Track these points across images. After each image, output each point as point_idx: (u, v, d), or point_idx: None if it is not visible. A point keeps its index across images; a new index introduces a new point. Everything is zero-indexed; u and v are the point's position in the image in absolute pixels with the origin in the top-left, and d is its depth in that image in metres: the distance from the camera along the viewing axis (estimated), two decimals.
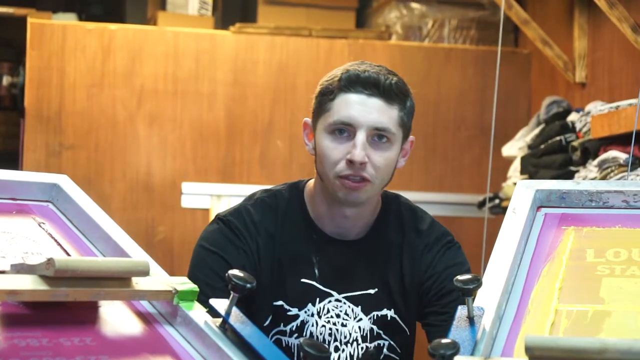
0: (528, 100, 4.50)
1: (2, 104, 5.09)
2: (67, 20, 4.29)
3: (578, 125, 3.58)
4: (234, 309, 1.20)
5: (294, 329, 1.73)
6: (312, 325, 1.73)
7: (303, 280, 1.74)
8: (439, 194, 4.34)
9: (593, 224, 1.50)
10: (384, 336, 1.77)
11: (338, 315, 1.75)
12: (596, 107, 3.44)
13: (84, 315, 1.11)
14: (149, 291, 1.14)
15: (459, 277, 1.23)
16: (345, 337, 1.74)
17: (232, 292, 1.21)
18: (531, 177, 3.74)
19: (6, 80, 5.08)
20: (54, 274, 1.04)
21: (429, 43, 4.50)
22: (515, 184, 3.89)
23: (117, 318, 1.15)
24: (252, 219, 1.76)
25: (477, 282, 1.23)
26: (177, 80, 4.17)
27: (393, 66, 4.31)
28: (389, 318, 1.77)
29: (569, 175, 3.53)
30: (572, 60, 4.06)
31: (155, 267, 1.22)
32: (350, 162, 1.66)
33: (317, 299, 1.74)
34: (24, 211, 1.26)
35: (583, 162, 3.50)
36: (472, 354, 1.17)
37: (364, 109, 1.67)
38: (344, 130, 1.68)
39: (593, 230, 1.49)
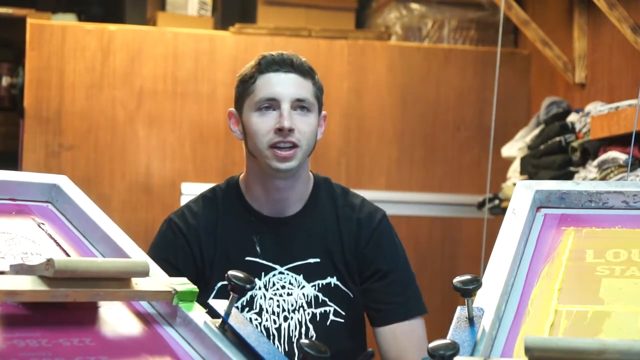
0: (528, 100, 4.49)
1: (2, 104, 5.08)
2: (66, 20, 4.29)
3: (578, 126, 3.58)
4: (234, 310, 1.20)
5: (244, 303, 1.89)
6: (261, 298, 1.90)
7: (247, 258, 1.92)
8: (439, 194, 4.34)
9: (593, 225, 1.50)
10: (329, 303, 1.93)
11: (283, 287, 1.91)
12: (596, 108, 3.44)
13: (84, 315, 1.11)
14: (149, 292, 1.15)
15: (459, 278, 1.23)
16: (292, 305, 1.91)
17: (231, 293, 1.21)
18: (531, 178, 3.74)
19: (5, 80, 5.07)
20: (53, 275, 1.04)
21: (429, 43, 4.50)
22: (514, 184, 3.88)
23: (116, 319, 1.15)
24: (194, 214, 1.95)
25: (476, 282, 1.23)
26: (177, 81, 4.17)
27: (393, 67, 4.36)
28: (332, 285, 1.94)
29: (569, 176, 3.53)
30: (572, 61, 4.06)
31: (154, 268, 1.22)
32: (279, 130, 1.86)
33: (262, 273, 1.91)
34: (23, 212, 1.26)
35: (583, 163, 3.50)
36: (472, 354, 1.17)
37: (284, 84, 1.88)
38: (269, 106, 1.88)
39: (593, 231, 1.49)
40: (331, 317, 1.92)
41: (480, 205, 4.09)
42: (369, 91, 4.32)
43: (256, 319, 1.88)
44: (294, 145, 1.88)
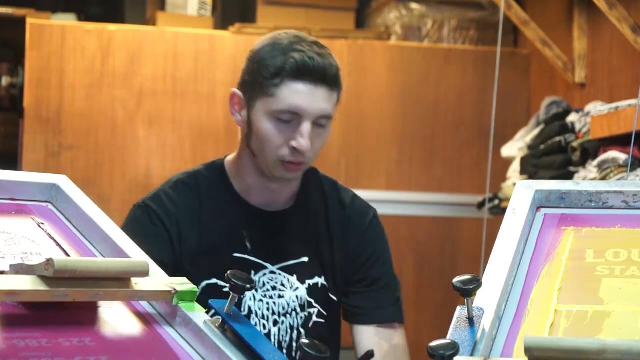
0: (527, 100, 4.49)
1: (1, 104, 5.08)
2: (66, 20, 4.29)
3: (578, 126, 3.58)
4: (234, 310, 1.20)
5: None
6: (250, 300, 1.73)
7: (236, 254, 1.74)
8: (439, 194, 4.34)
9: (592, 225, 1.50)
10: (314, 304, 1.79)
11: (274, 288, 1.75)
12: (596, 108, 3.45)
13: (83, 315, 1.11)
14: (149, 292, 1.14)
15: (459, 278, 1.23)
16: (283, 309, 1.76)
17: (231, 293, 1.21)
18: (531, 178, 3.74)
19: (5, 80, 5.08)
20: (53, 275, 1.03)
21: (429, 43, 4.50)
22: (514, 184, 3.88)
23: (116, 319, 1.14)
24: (171, 200, 1.76)
25: (476, 282, 1.23)
26: (177, 81, 4.17)
27: (392, 67, 4.36)
28: (319, 285, 1.80)
29: (569, 176, 3.53)
30: (572, 61, 4.06)
31: (154, 268, 1.22)
32: (294, 149, 1.69)
33: (252, 272, 1.74)
34: (23, 211, 1.26)
35: (583, 163, 3.50)
36: (472, 354, 1.17)
37: (311, 99, 1.68)
38: (288, 117, 1.69)
39: (592, 231, 1.49)
40: (314, 318, 1.79)
41: (480, 205, 4.09)
42: (369, 91, 4.32)
43: None
44: (302, 163, 1.73)
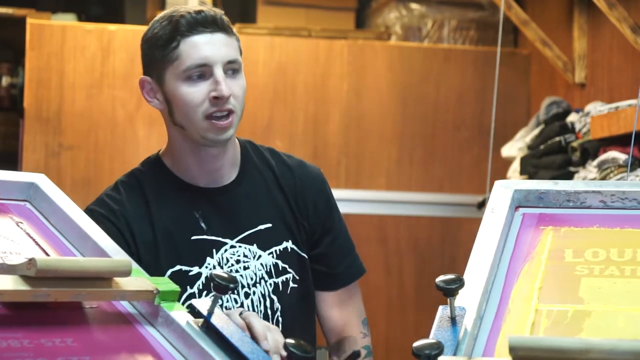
0: (527, 100, 4.49)
1: (2, 104, 5.08)
2: (66, 20, 4.29)
3: (577, 126, 3.57)
4: (216, 309, 1.19)
5: (200, 287, 1.72)
6: None
7: (193, 237, 1.74)
8: (438, 194, 4.33)
9: (571, 224, 1.51)
10: (289, 270, 1.80)
11: (238, 261, 1.75)
12: (596, 108, 3.44)
13: (66, 315, 1.11)
14: (131, 291, 1.14)
15: (442, 278, 1.22)
16: (251, 279, 1.76)
17: (214, 293, 1.20)
18: (531, 178, 3.73)
19: (5, 80, 5.08)
20: (35, 274, 1.03)
21: (429, 43, 4.49)
22: None
23: (98, 319, 1.14)
24: (115, 200, 1.77)
25: (459, 282, 1.22)
26: None
27: (392, 66, 4.35)
28: (289, 250, 1.80)
29: (569, 176, 3.52)
30: (572, 61, 4.05)
31: (136, 266, 1.21)
32: (215, 99, 1.68)
33: (214, 250, 1.74)
34: (1, 210, 1.25)
35: (582, 163, 3.50)
36: (455, 354, 1.17)
37: (213, 47, 1.70)
38: (200, 73, 1.70)
39: (571, 230, 1.49)
40: (290, 284, 1.79)
41: (480, 205, 4.09)
42: (368, 91, 4.32)
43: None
44: (230, 112, 1.71)
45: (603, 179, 3.23)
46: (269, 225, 1.80)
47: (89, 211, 1.74)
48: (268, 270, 1.78)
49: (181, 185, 1.79)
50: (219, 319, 1.18)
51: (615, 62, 3.82)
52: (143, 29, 4.21)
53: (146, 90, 1.82)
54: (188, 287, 1.71)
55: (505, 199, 1.52)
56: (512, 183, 1.56)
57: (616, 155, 3.20)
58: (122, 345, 1.11)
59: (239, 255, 1.76)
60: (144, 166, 1.86)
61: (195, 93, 1.70)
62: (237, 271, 1.75)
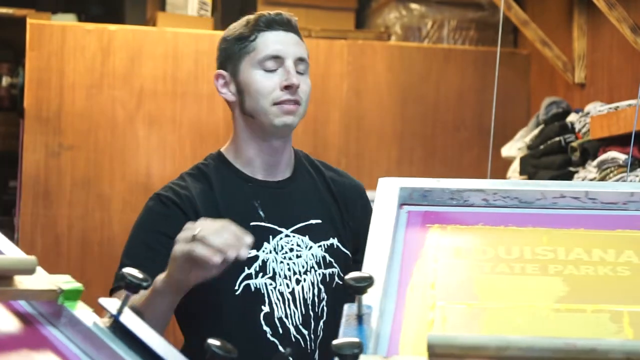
0: (527, 100, 4.50)
1: (2, 104, 5.09)
2: (66, 20, 4.29)
3: (577, 126, 3.58)
4: (126, 308, 1.14)
5: (257, 269, 1.83)
6: (273, 262, 1.85)
7: (252, 223, 1.84)
8: None
9: (457, 222, 1.52)
10: (334, 264, 1.90)
11: (291, 249, 1.87)
12: (595, 108, 3.45)
13: None
14: (34, 290, 1.08)
15: (352, 276, 1.22)
16: (303, 267, 1.87)
17: (125, 291, 1.16)
18: (530, 178, 3.74)
19: (5, 81, 5.08)
20: None
21: (428, 44, 4.50)
22: None
23: None
24: (182, 187, 1.88)
25: (369, 280, 1.22)
26: (177, 81, 4.17)
27: (392, 67, 4.36)
28: (335, 247, 1.91)
29: (569, 176, 3.53)
30: (572, 61, 4.06)
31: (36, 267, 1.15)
32: (286, 88, 1.84)
33: (270, 237, 1.86)
34: None
35: (582, 163, 3.51)
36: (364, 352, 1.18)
37: (286, 43, 1.87)
38: (274, 64, 1.85)
39: (457, 228, 1.51)
40: (336, 279, 1.89)
41: None
42: (368, 91, 4.33)
43: (270, 284, 1.83)
44: (297, 103, 1.86)
45: (603, 179, 3.24)
46: (319, 221, 1.91)
47: (156, 195, 1.87)
48: (317, 261, 1.89)
49: (242, 177, 1.92)
50: (129, 319, 1.14)
51: (615, 62, 3.83)
52: (143, 29, 4.26)
53: (220, 83, 1.94)
54: (246, 267, 1.82)
55: (392, 196, 1.52)
56: (397, 181, 1.56)
57: (616, 155, 3.21)
58: (23, 348, 1.05)
59: (292, 244, 1.87)
60: (207, 160, 1.98)
61: (268, 81, 1.85)
62: (290, 258, 1.86)
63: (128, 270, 1.18)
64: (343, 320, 1.22)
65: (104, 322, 1.14)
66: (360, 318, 1.22)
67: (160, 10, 4.45)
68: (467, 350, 1.13)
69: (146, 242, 1.80)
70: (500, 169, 4.03)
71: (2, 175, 5.16)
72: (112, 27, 4.16)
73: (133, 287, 1.16)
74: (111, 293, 1.76)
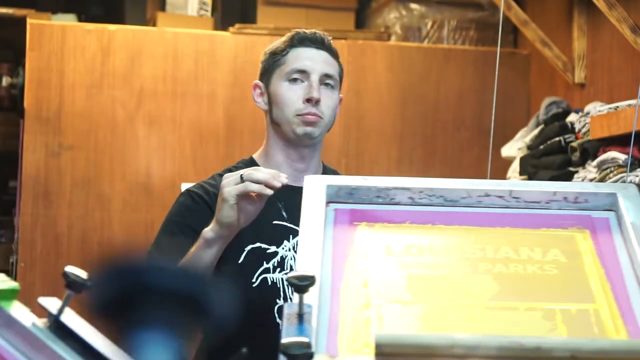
0: (527, 101, 4.50)
1: (2, 104, 5.08)
2: (66, 21, 4.29)
3: (577, 126, 3.58)
4: (67, 308, 1.12)
5: (275, 264, 1.95)
6: (291, 259, 1.97)
7: (275, 222, 1.98)
8: None
9: (384, 220, 1.52)
10: None
11: None
12: (595, 108, 3.45)
13: None
14: None
15: (295, 274, 1.23)
16: None
17: (67, 290, 1.13)
18: (530, 178, 3.74)
19: (5, 81, 5.08)
20: None
21: (428, 44, 4.50)
22: None
23: None
24: (211, 185, 2.00)
25: (311, 279, 1.22)
26: (177, 81, 4.17)
27: (392, 67, 4.36)
28: None
29: (568, 176, 3.53)
30: (572, 61, 4.06)
31: None
32: (308, 101, 1.97)
33: (290, 236, 1.98)
34: None
35: (582, 163, 3.51)
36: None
37: (314, 59, 2.01)
38: (299, 78, 1.99)
39: (385, 226, 1.51)
40: None
41: None
42: (368, 91, 4.33)
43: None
44: (318, 116, 1.98)
45: (603, 179, 3.24)
46: None
47: (187, 192, 2.02)
48: None
49: None
50: (70, 318, 1.11)
51: (615, 63, 3.83)
52: (143, 29, 4.26)
53: (256, 93, 2.08)
54: (264, 262, 1.94)
55: (320, 194, 1.52)
56: (324, 178, 1.57)
57: (616, 155, 3.21)
58: None
59: None
60: (238, 164, 2.11)
61: (292, 93, 1.99)
62: None
63: (70, 269, 1.15)
64: (284, 319, 1.23)
65: (43, 322, 1.11)
66: (301, 317, 1.22)
67: (160, 10, 4.45)
68: (415, 349, 1.14)
69: (174, 233, 1.93)
70: (500, 169, 4.03)
71: (2, 175, 5.17)
72: (112, 27, 4.16)
73: (76, 286, 1.13)
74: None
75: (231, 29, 4.30)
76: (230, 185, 1.72)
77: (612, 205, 1.55)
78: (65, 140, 4.06)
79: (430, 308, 1.34)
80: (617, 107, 3.23)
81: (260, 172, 1.71)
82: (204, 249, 1.77)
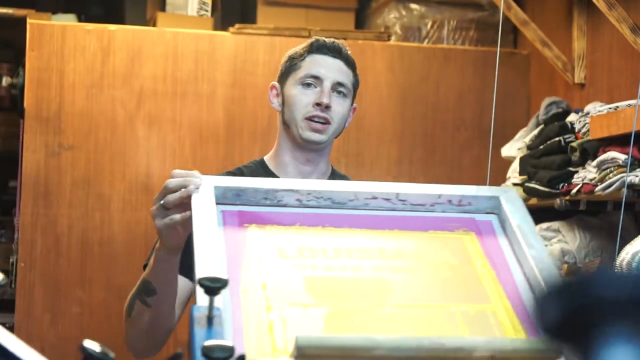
0: (527, 101, 4.50)
1: (2, 104, 5.09)
2: (66, 21, 4.29)
3: (577, 126, 3.58)
4: None
5: None
6: None
7: None
8: None
9: (273, 223, 1.51)
10: None
11: None
12: (595, 108, 3.45)
13: None
14: None
15: (206, 276, 1.22)
16: None
17: None
18: (530, 178, 3.75)
19: (6, 81, 5.08)
20: None
21: (428, 44, 4.50)
22: (514, 184, 3.90)
23: None
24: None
25: (223, 282, 1.22)
26: (177, 81, 4.17)
27: (392, 67, 4.36)
28: None
29: (568, 176, 3.53)
30: (571, 61, 4.06)
31: None
32: (318, 105, 2.03)
33: None
34: None
35: (582, 163, 3.51)
36: None
37: (329, 66, 2.07)
38: (312, 83, 2.05)
39: (275, 229, 1.50)
40: None
41: None
42: (369, 91, 4.33)
43: None
44: (327, 122, 2.03)
45: (603, 179, 3.25)
46: None
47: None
48: None
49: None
50: None
51: (615, 63, 3.83)
52: (143, 29, 4.26)
53: (272, 93, 2.15)
54: None
55: (209, 195, 1.50)
56: (211, 179, 1.54)
57: (616, 155, 3.21)
58: None
59: None
60: (249, 163, 2.17)
61: (304, 96, 2.05)
62: None
63: (88, 343, 1.14)
64: (195, 322, 1.21)
65: None
66: (210, 320, 1.21)
67: (160, 10, 4.45)
68: (337, 351, 1.15)
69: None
70: (500, 169, 4.03)
71: (2, 175, 5.17)
72: (112, 27, 4.16)
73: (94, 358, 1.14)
74: (144, 268, 1.86)
75: (231, 29, 4.30)
76: (157, 218, 1.64)
77: (494, 208, 1.57)
78: (65, 140, 4.06)
79: (332, 311, 1.33)
80: (617, 107, 3.23)
81: (172, 181, 1.61)
82: (160, 264, 1.74)
